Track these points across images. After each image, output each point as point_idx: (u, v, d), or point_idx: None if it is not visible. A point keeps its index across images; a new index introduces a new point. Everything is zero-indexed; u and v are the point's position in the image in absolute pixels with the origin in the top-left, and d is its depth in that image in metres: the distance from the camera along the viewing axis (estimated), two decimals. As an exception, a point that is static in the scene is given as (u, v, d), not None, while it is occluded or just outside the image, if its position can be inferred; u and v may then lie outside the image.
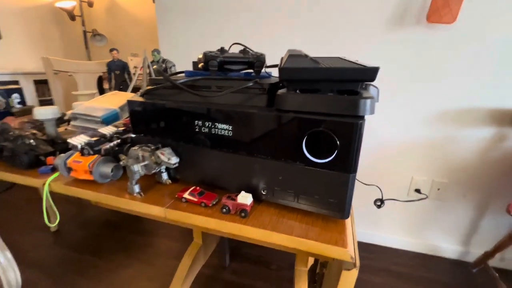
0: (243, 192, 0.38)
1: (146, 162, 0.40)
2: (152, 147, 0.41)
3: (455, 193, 1.16)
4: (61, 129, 0.78)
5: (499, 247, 1.06)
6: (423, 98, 1.07)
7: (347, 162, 0.33)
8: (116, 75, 0.96)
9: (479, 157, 1.09)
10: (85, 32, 2.56)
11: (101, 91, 2.06)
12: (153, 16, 2.47)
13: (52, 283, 1.08)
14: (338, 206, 0.35)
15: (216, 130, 0.40)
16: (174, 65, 0.92)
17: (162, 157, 0.39)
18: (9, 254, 0.58)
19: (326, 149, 0.33)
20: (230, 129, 0.39)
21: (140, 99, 0.46)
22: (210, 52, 0.49)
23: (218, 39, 1.24)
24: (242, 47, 0.54)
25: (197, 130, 0.42)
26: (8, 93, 0.67)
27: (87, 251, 1.28)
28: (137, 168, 0.40)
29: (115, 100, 0.67)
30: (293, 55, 0.37)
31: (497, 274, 1.05)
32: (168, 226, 1.43)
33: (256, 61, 0.50)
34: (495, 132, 1.04)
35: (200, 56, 0.51)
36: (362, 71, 0.33)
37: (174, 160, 0.40)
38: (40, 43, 2.34)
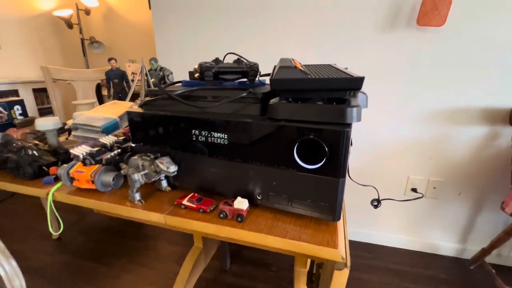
0: (239, 198, 0.40)
1: (146, 171, 0.42)
2: (152, 157, 0.43)
3: (450, 191, 1.18)
4: (62, 138, 0.79)
5: (495, 244, 1.08)
6: (417, 98, 1.09)
7: (336, 167, 0.35)
8: (114, 84, 0.98)
9: (473, 155, 1.11)
10: (82, 40, 2.58)
11: (100, 98, 2.08)
12: (149, 22, 2.50)
13: (55, 289, 1.09)
14: (329, 209, 0.37)
15: (212, 138, 0.42)
16: (171, 73, 0.94)
17: (162, 166, 0.41)
18: (14, 262, 0.59)
19: (316, 156, 0.35)
20: (225, 137, 0.41)
21: (139, 109, 0.48)
22: (205, 63, 0.51)
23: (213, 44, 1.26)
24: (236, 56, 0.56)
25: (194, 139, 0.44)
26: (10, 105, 0.68)
27: (89, 257, 1.29)
28: (138, 177, 0.42)
29: (114, 109, 0.69)
30: (283, 66, 0.39)
31: (494, 270, 1.07)
32: (169, 231, 1.44)
33: (250, 70, 0.52)
34: (488, 131, 1.07)
35: (196, 66, 0.53)
36: (348, 80, 0.35)
37: (173, 168, 0.42)
38: (39, 52, 2.36)
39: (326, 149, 0.33)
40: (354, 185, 1.20)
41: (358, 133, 1.19)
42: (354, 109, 0.34)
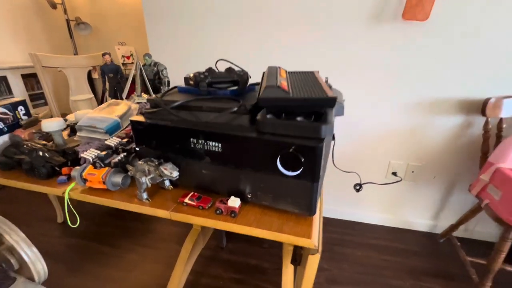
0: (232, 197, 0.48)
1: (152, 175, 0.49)
2: (156, 163, 0.50)
3: (427, 174, 1.29)
4: (64, 133, 0.84)
5: (462, 220, 1.22)
6: (400, 89, 1.16)
7: (311, 174, 0.42)
8: (110, 78, 1.00)
9: (448, 142, 1.21)
10: (68, 21, 2.49)
11: (92, 84, 2.06)
12: (137, 2, 2.41)
13: (65, 269, 1.19)
14: (306, 207, 0.45)
15: (208, 146, 0.49)
16: (165, 68, 0.98)
17: (165, 172, 0.48)
18: (35, 249, 0.67)
19: (295, 165, 0.42)
20: (219, 146, 0.48)
21: (141, 118, 0.53)
22: (200, 73, 0.56)
23: (205, 38, 1.27)
24: (228, 63, 0.61)
25: (192, 146, 0.50)
26: (14, 106, 0.72)
27: (94, 239, 1.39)
28: (145, 180, 0.48)
29: (115, 109, 0.74)
30: (269, 86, 0.45)
31: (459, 243, 1.21)
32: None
33: (240, 80, 0.57)
34: (463, 120, 1.15)
35: (191, 75, 0.58)
36: (322, 100, 0.42)
37: (175, 174, 0.49)
38: (22, 34, 2.28)
39: (303, 160, 0.41)
40: (336, 172, 1.30)
41: (343, 122, 1.26)
42: (327, 126, 0.41)
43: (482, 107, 1.07)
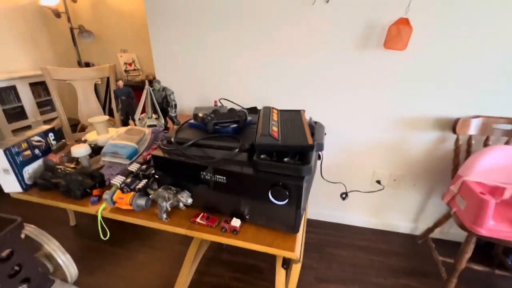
0: (234, 218, 0.61)
1: (171, 201, 0.62)
2: (174, 191, 0.63)
3: (407, 182, 1.44)
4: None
5: (437, 224, 1.37)
6: (383, 107, 1.29)
7: (295, 203, 0.55)
8: (122, 100, 1.12)
9: (426, 155, 1.35)
10: (72, 29, 2.57)
11: (98, 96, 2.17)
12: (139, 10, 2.51)
13: (81, 269, 1.32)
14: (291, 227, 0.58)
15: (216, 178, 0.62)
16: (172, 93, 1.10)
17: (182, 199, 0.61)
18: (68, 255, 0.80)
19: (283, 197, 0.55)
20: (224, 178, 0.61)
21: (160, 153, 0.66)
22: (206, 115, 0.69)
23: (208, 43, 1.38)
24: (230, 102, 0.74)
25: (202, 177, 0.63)
26: (46, 134, 0.85)
27: (105, 241, 1.52)
28: (165, 205, 0.62)
29: (132, 136, 0.87)
30: (263, 134, 0.58)
31: (433, 245, 1.37)
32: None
33: (240, 119, 0.70)
34: (438, 136, 1.29)
35: (201, 114, 0.71)
36: (303, 147, 0.55)
37: (190, 201, 0.62)
38: (29, 43, 2.37)
39: (288, 194, 0.54)
40: (323, 183, 1.45)
41: (333, 135, 1.40)
42: (307, 167, 0.54)
43: (453, 125, 1.21)
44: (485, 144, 1.21)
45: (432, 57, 1.14)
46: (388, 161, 1.41)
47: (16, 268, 0.67)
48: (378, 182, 1.47)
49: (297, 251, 0.56)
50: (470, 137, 1.22)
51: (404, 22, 1.09)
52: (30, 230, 0.77)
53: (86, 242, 1.52)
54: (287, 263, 0.71)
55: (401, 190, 1.46)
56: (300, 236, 0.60)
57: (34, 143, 0.81)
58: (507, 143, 1.19)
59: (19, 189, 0.77)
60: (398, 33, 1.11)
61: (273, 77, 1.35)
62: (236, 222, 0.60)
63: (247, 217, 0.63)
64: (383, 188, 1.45)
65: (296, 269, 0.57)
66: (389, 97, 1.26)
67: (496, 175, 1.12)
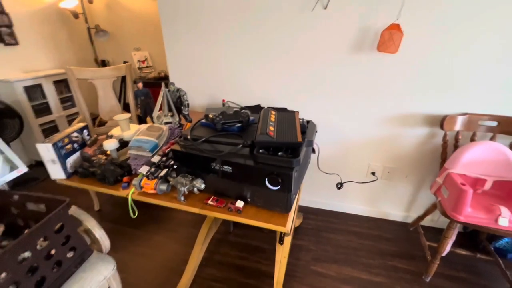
0: (238, 200, 0.76)
1: (187, 186, 0.77)
2: (190, 178, 0.78)
3: (400, 174, 1.56)
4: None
5: (426, 212, 1.49)
6: (377, 105, 1.40)
7: (287, 188, 0.70)
8: (141, 100, 1.28)
9: (417, 149, 1.46)
10: (89, 29, 2.74)
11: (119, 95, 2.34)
12: (151, 10, 2.64)
13: (109, 247, 1.52)
14: (284, 207, 0.73)
15: (223, 168, 0.76)
16: (185, 93, 1.24)
17: (196, 185, 0.76)
18: (103, 231, 0.97)
19: (276, 183, 0.69)
20: (230, 169, 0.75)
21: (178, 147, 0.81)
22: (215, 116, 0.83)
23: (218, 42, 1.52)
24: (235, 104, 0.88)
25: (212, 167, 0.78)
26: (81, 130, 1.01)
27: (126, 224, 1.71)
28: (183, 189, 0.77)
29: (153, 132, 1.02)
30: (261, 133, 0.72)
31: (422, 231, 1.49)
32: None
33: (243, 120, 0.84)
34: (428, 131, 1.40)
35: (211, 116, 0.85)
36: (293, 144, 0.69)
37: (203, 186, 0.77)
38: (51, 44, 2.55)
39: (280, 181, 0.68)
40: (320, 174, 1.59)
41: (330, 131, 1.52)
42: (297, 159, 0.68)
43: (440, 122, 1.31)
44: (472, 139, 1.31)
45: (421, 59, 1.24)
46: (382, 155, 1.53)
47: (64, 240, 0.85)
48: (373, 173, 1.59)
49: (288, 227, 0.70)
50: (457, 133, 1.32)
51: (395, 28, 1.19)
52: (73, 210, 0.94)
53: (109, 225, 1.72)
54: (282, 240, 0.85)
55: (394, 181, 1.58)
56: (292, 215, 0.75)
57: (73, 138, 0.97)
58: (491, 138, 1.29)
59: (63, 176, 0.94)
60: (390, 38, 1.21)
61: (275, 78, 1.47)
62: (240, 204, 0.75)
63: (248, 199, 0.78)
64: (377, 179, 1.58)
65: (287, 240, 0.72)
66: (382, 96, 1.37)
67: (479, 168, 1.23)
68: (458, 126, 1.29)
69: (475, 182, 1.24)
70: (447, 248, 1.26)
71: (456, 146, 1.34)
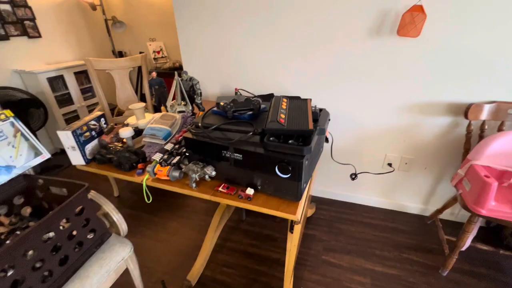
0: (249, 188, 0.76)
1: (199, 173, 0.78)
2: (201, 165, 0.79)
3: (419, 166, 1.50)
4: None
5: (446, 206, 1.43)
6: (396, 93, 1.34)
7: (297, 177, 0.69)
8: (155, 89, 1.29)
9: (437, 139, 1.39)
10: (106, 20, 2.79)
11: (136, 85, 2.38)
12: (165, 1, 2.64)
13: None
14: (294, 195, 0.72)
15: (233, 156, 0.76)
16: (198, 82, 1.24)
17: (207, 172, 0.77)
18: (120, 215, 1.02)
19: (287, 171, 0.69)
20: (240, 156, 0.75)
21: (190, 135, 0.82)
22: (226, 104, 0.83)
23: (230, 32, 1.50)
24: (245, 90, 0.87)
25: (223, 155, 0.78)
26: (98, 118, 1.04)
27: (144, 210, 1.78)
28: (195, 176, 0.78)
29: (166, 121, 1.04)
30: (272, 121, 0.70)
31: (441, 225, 1.44)
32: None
33: (254, 108, 0.83)
34: (451, 121, 1.33)
35: (222, 103, 0.85)
36: (304, 131, 0.67)
37: (213, 173, 0.77)
38: (71, 35, 2.63)
39: (290, 168, 0.67)
40: (335, 165, 1.55)
41: (346, 120, 1.48)
42: (307, 148, 0.66)
43: (465, 111, 1.23)
44: (500, 129, 1.23)
45: (445, 43, 1.16)
46: (400, 145, 1.47)
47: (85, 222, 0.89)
48: (390, 164, 1.54)
49: (298, 215, 0.70)
50: (483, 122, 1.24)
51: (418, 9, 1.12)
52: (92, 194, 0.99)
53: (128, 211, 1.80)
54: (292, 228, 0.85)
55: (412, 173, 1.52)
56: (302, 204, 0.74)
57: (91, 126, 1.01)
58: (521, 128, 1.20)
59: (83, 162, 0.98)
60: (412, 20, 1.14)
61: (289, 66, 1.44)
62: (250, 191, 0.76)
63: (259, 187, 0.78)
64: (394, 171, 1.52)
65: (297, 228, 0.71)
66: (402, 83, 1.30)
67: (505, 160, 1.15)
68: (484, 115, 1.21)
69: (501, 175, 1.17)
70: (467, 242, 1.21)
71: (481, 137, 1.26)
